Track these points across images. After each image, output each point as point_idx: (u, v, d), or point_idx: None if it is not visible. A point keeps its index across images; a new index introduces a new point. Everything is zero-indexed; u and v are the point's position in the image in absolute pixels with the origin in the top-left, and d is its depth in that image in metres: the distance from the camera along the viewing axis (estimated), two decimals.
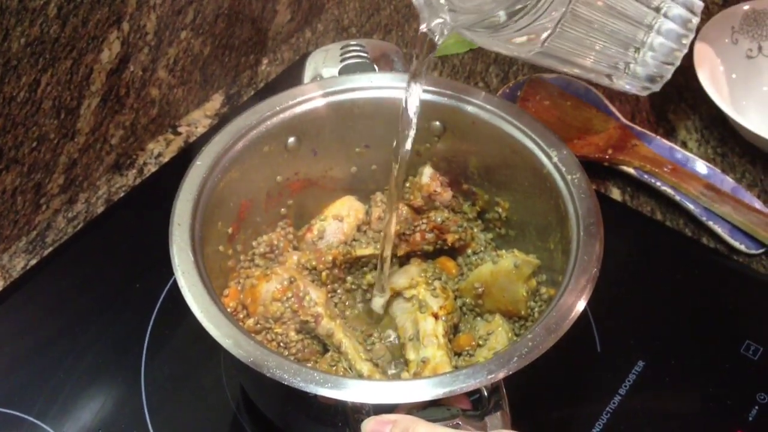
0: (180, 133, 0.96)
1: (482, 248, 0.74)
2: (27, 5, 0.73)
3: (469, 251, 0.74)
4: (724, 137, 0.95)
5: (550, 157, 0.67)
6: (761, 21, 0.97)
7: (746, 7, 0.97)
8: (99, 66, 0.83)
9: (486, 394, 0.54)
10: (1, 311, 0.78)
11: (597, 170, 0.90)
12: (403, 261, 0.72)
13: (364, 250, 0.72)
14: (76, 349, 0.75)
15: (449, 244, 0.72)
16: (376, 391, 0.53)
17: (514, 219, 0.74)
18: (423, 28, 0.62)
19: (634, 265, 0.82)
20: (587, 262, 0.60)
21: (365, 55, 0.81)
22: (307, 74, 0.88)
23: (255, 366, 0.54)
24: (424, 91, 0.72)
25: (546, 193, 0.68)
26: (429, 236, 0.71)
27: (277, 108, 0.71)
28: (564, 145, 0.68)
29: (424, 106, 0.72)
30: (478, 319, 0.70)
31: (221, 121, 0.97)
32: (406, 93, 0.64)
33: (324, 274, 0.71)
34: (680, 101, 1.00)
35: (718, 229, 0.84)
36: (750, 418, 0.70)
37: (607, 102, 0.95)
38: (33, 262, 0.83)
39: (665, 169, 0.88)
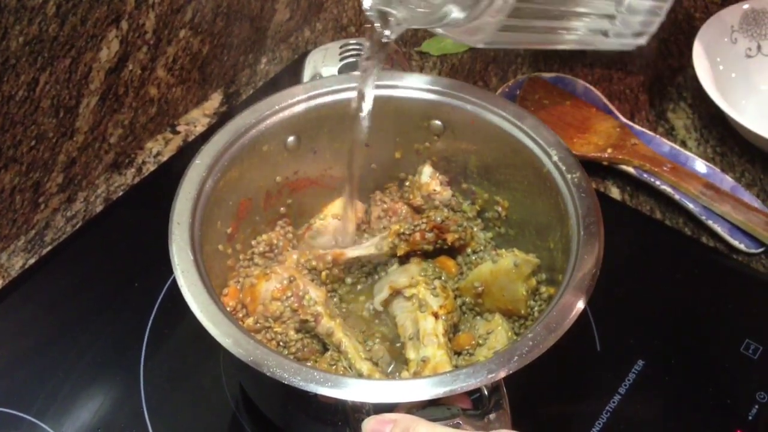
0: (179, 132, 0.96)
1: (482, 247, 0.74)
2: (26, 4, 0.73)
3: (469, 250, 0.74)
4: (724, 136, 0.95)
5: (549, 156, 0.67)
6: (760, 20, 0.97)
7: (745, 6, 0.97)
8: (98, 65, 0.83)
9: (486, 393, 0.54)
10: (0, 310, 0.78)
11: (596, 169, 0.90)
12: (402, 260, 0.72)
13: (363, 250, 0.72)
14: (75, 349, 0.75)
15: (449, 244, 0.72)
16: (376, 391, 0.53)
17: (513, 218, 0.74)
18: (377, 27, 0.63)
19: (634, 264, 0.82)
20: (587, 262, 0.60)
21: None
22: (307, 73, 0.89)
23: (255, 365, 0.54)
24: (424, 90, 0.72)
25: (546, 192, 0.68)
26: (429, 236, 0.71)
27: (277, 107, 0.71)
28: (563, 144, 0.68)
29: (423, 105, 0.73)
30: (478, 318, 0.70)
31: (220, 120, 0.97)
32: (359, 92, 0.65)
33: (324, 273, 0.71)
34: (679, 100, 1.00)
35: (718, 228, 0.84)
36: (750, 417, 0.70)
37: (606, 101, 0.95)
38: (32, 261, 0.83)
39: (665, 168, 0.87)
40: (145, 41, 0.86)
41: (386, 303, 0.70)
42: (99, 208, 0.88)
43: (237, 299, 0.68)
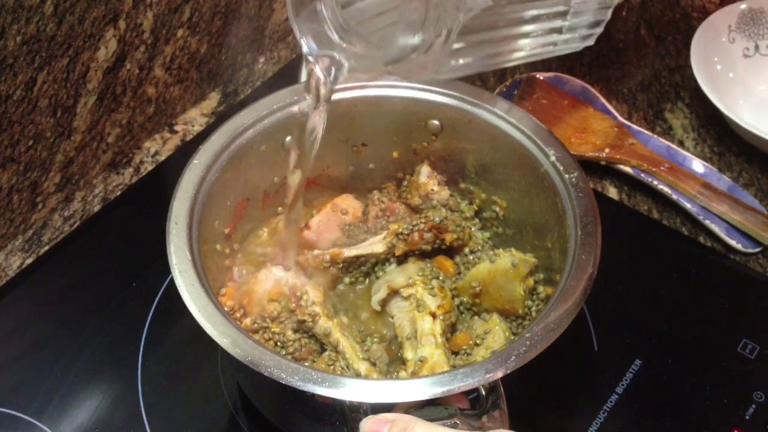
0: (177, 132, 0.96)
1: (480, 247, 0.74)
2: (23, 3, 0.73)
3: (467, 250, 0.74)
4: (721, 136, 0.95)
5: (547, 156, 0.67)
6: (758, 20, 0.97)
7: (743, 6, 0.97)
8: (95, 64, 0.83)
9: (484, 393, 0.54)
10: None
11: (594, 169, 0.90)
12: (400, 260, 0.72)
13: (361, 249, 0.72)
14: (73, 348, 0.75)
15: (447, 244, 0.72)
16: (374, 391, 0.53)
17: (511, 218, 0.74)
18: (317, 72, 0.62)
19: (631, 264, 0.82)
20: (585, 262, 0.60)
21: None
22: (304, 73, 0.88)
23: (252, 365, 0.54)
24: (422, 90, 0.72)
25: (543, 192, 0.68)
26: (427, 235, 0.71)
27: (275, 107, 0.71)
28: (561, 143, 0.68)
29: (421, 104, 0.73)
30: (476, 318, 0.70)
31: (218, 119, 0.97)
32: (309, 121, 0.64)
33: (321, 273, 0.71)
34: (677, 100, 1.00)
35: (715, 227, 0.84)
36: (747, 417, 0.70)
37: (603, 101, 0.95)
38: (29, 260, 0.83)
39: (662, 168, 0.88)
40: (142, 41, 0.86)
41: (384, 303, 0.70)
42: (97, 208, 0.88)
43: (235, 299, 0.68)
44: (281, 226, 0.74)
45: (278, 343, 0.66)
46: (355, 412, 0.53)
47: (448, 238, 0.71)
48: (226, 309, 0.64)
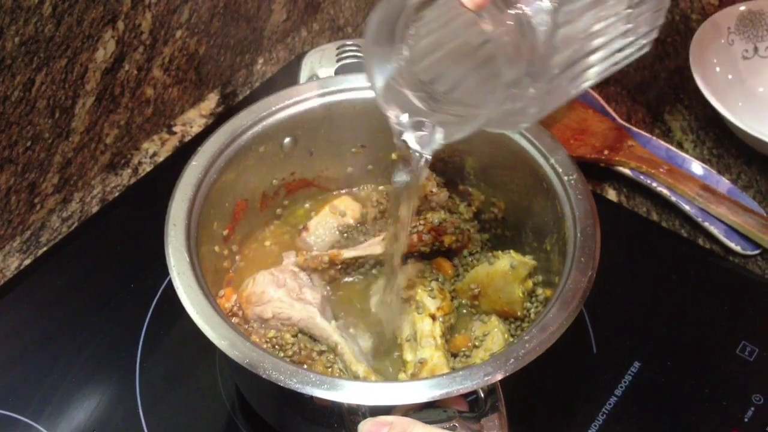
0: (175, 133, 0.96)
1: (478, 249, 0.74)
2: (21, 4, 0.72)
3: (466, 252, 0.74)
4: (720, 138, 0.95)
5: (546, 158, 0.67)
6: (757, 22, 0.97)
7: (742, 8, 0.97)
8: (94, 65, 0.82)
9: (483, 395, 0.54)
10: None
11: (593, 171, 0.90)
12: (400, 261, 0.72)
13: (360, 251, 0.72)
14: (71, 350, 0.75)
15: (446, 246, 0.72)
16: (372, 393, 0.53)
17: (510, 220, 0.74)
18: (412, 145, 0.58)
19: (630, 266, 0.82)
20: (584, 264, 0.60)
21: (361, 55, 0.81)
22: (303, 74, 0.88)
23: (251, 367, 0.53)
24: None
25: (542, 194, 0.68)
26: (426, 237, 0.71)
27: (273, 108, 0.71)
28: (560, 145, 0.68)
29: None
30: (475, 320, 0.70)
31: (217, 120, 0.96)
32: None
33: (320, 274, 0.71)
34: (676, 102, 1.00)
35: (714, 230, 0.84)
36: (746, 419, 0.70)
37: (603, 103, 0.95)
38: (27, 261, 0.82)
39: (661, 170, 0.87)
40: (141, 41, 0.86)
41: (383, 304, 0.70)
42: (95, 209, 0.87)
43: (233, 301, 0.68)
44: (333, 206, 0.74)
45: (276, 346, 0.65)
46: (353, 415, 0.53)
47: (447, 240, 0.71)
48: (224, 311, 0.64)
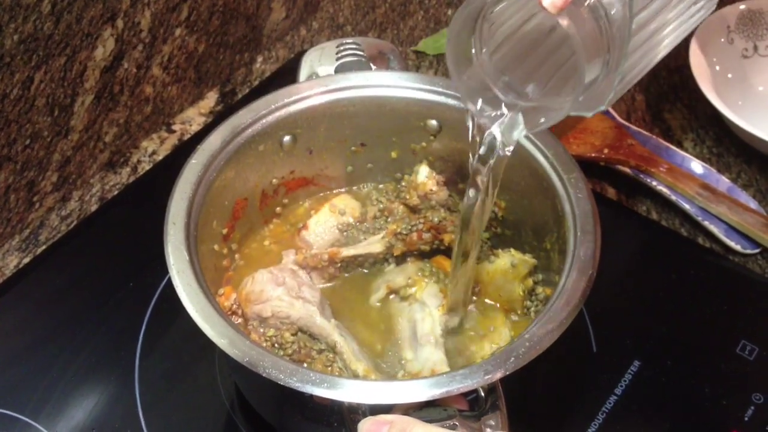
0: (174, 131, 0.96)
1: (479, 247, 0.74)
2: (21, 2, 0.72)
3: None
4: (720, 137, 0.95)
5: (546, 157, 0.67)
6: (757, 21, 0.97)
7: (742, 6, 0.97)
8: (93, 63, 0.82)
9: (483, 394, 0.53)
10: None
11: (593, 170, 0.90)
12: (399, 260, 0.72)
13: (359, 249, 0.71)
14: (70, 348, 0.75)
15: (446, 244, 0.71)
16: (372, 392, 0.52)
17: (510, 218, 0.74)
18: (496, 134, 0.58)
19: (630, 265, 0.82)
20: (584, 263, 0.60)
21: (361, 53, 0.81)
22: (303, 72, 0.88)
23: (250, 366, 0.53)
24: (421, 90, 0.72)
25: (542, 193, 0.68)
26: (426, 236, 0.71)
27: (273, 106, 0.71)
28: (560, 144, 0.68)
29: (420, 104, 0.73)
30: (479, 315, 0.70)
31: (216, 119, 0.96)
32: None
33: (319, 272, 0.71)
34: (676, 101, 0.99)
35: (714, 229, 0.84)
36: (746, 419, 0.70)
37: None
38: (26, 260, 0.82)
39: (661, 169, 0.87)
40: (140, 39, 0.86)
41: (383, 302, 0.70)
42: (94, 208, 0.87)
43: (232, 299, 0.68)
44: (333, 204, 0.74)
45: (276, 344, 0.65)
46: (353, 413, 0.53)
47: (447, 238, 0.71)
48: (223, 309, 0.64)
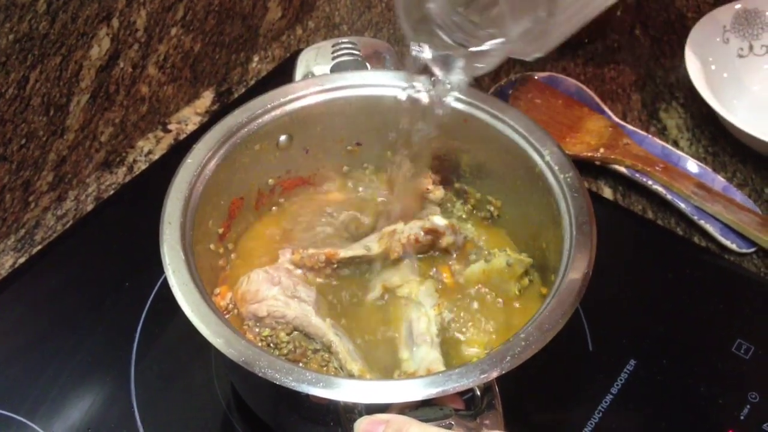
0: (170, 131, 0.95)
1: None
2: (16, 1, 0.72)
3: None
4: (716, 136, 0.95)
5: (542, 156, 0.67)
6: (752, 20, 0.98)
7: (738, 6, 0.97)
8: (88, 63, 0.82)
9: (479, 393, 0.53)
10: None
11: (588, 169, 0.90)
12: (395, 260, 0.72)
13: (356, 250, 0.71)
14: (66, 348, 0.74)
15: (443, 246, 0.71)
16: (368, 391, 0.52)
17: (506, 217, 0.74)
18: (440, 75, 0.61)
19: (626, 264, 0.82)
20: (580, 262, 0.60)
21: (357, 52, 0.81)
22: (299, 72, 0.88)
23: (246, 365, 0.53)
24: (418, 90, 0.72)
25: (538, 192, 0.68)
26: (423, 239, 0.70)
27: (269, 106, 0.70)
28: (556, 143, 0.68)
29: (417, 104, 0.72)
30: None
31: (212, 118, 0.96)
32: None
33: (315, 272, 0.71)
34: (671, 100, 1.00)
35: (710, 228, 0.84)
36: (741, 417, 0.70)
37: (598, 100, 0.95)
38: (22, 260, 0.82)
39: (657, 168, 0.88)
40: (136, 39, 0.86)
41: (378, 302, 0.70)
42: (90, 207, 0.87)
43: (228, 299, 0.68)
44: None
45: (271, 344, 0.65)
46: (349, 413, 0.53)
47: (445, 241, 0.71)
48: (219, 309, 0.64)
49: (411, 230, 0.70)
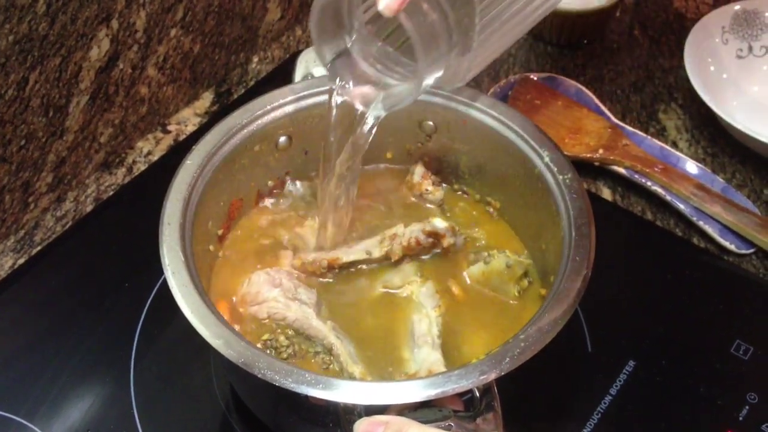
0: (170, 132, 0.96)
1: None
2: (15, 2, 0.72)
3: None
4: (715, 137, 0.95)
5: (541, 157, 0.67)
6: (751, 21, 0.98)
7: (737, 7, 0.97)
8: (88, 64, 0.82)
9: (478, 394, 0.53)
10: None
11: (587, 170, 0.90)
12: (396, 261, 0.72)
13: (358, 255, 0.71)
14: (65, 349, 0.74)
15: (444, 247, 0.71)
16: (368, 392, 0.52)
17: (505, 218, 0.74)
18: (357, 105, 0.63)
19: (625, 265, 0.82)
20: (579, 263, 0.60)
21: None
22: (298, 73, 0.88)
23: (246, 367, 0.53)
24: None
25: (537, 193, 0.68)
26: (424, 242, 0.70)
27: (268, 107, 0.71)
28: (555, 144, 0.68)
29: (417, 104, 0.72)
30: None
31: (211, 119, 0.96)
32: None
33: (316, 275, 0.71)
34: (671, 101, 1.00)
35: (709, 229, 0.84)
36: (740, 418, 0.70)
37: (597, 102, 0.95)
38: (21, 261, 0.82)
39: (656, 169, 0.88)
40: (135, 40, 0.86)
41: (379, 304, 0.70)
42: (89, 208, 0.87)
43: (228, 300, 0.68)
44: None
45: (271, 347, 0.65)
46: (349, 414, 0.53)
47: (446, 243, 0.71)
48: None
49: (412, 233, 0.70)
